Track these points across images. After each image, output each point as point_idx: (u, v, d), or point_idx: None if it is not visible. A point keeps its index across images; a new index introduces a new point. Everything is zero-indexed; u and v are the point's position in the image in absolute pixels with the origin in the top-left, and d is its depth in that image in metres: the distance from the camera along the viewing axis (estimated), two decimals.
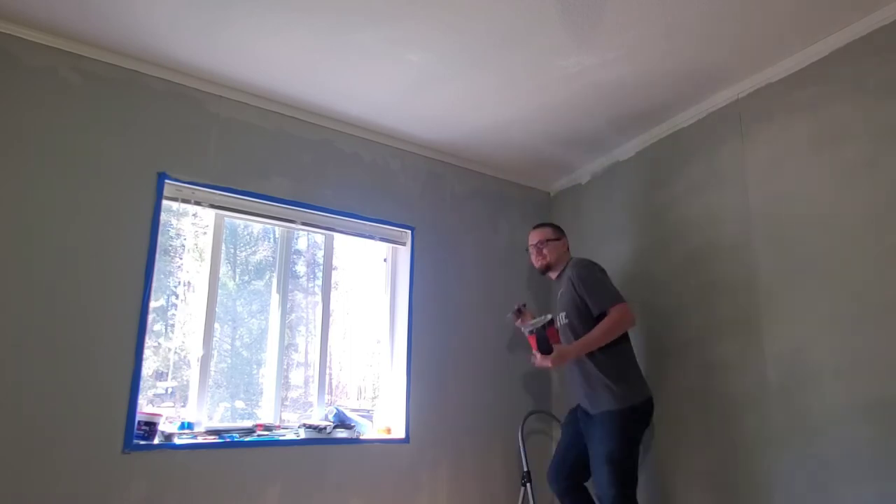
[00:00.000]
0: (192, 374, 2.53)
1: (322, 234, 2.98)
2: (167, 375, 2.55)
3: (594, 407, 2.41)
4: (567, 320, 2.51)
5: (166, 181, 2.43)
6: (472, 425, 3.06)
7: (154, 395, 2.52)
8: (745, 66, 2.43)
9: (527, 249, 2.80)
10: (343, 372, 3.12)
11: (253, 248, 2.97)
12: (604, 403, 2.36)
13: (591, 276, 2.47)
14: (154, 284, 2.35)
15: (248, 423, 2.54)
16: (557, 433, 3.23)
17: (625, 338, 2.45)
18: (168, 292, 2.63)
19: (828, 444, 2.08)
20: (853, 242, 2.10)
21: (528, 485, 2.95)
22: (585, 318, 2.44)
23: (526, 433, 3.16)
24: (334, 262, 3.03)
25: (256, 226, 2.90)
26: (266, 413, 2.68)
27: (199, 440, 2.38)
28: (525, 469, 3.00)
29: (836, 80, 2.22)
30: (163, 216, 2.43)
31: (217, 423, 2.53)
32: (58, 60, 2.29)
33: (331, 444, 2.62)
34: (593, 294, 2.42)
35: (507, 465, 3.13)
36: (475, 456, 3.04)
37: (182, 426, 2.39)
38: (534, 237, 2.74)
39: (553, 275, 2.72)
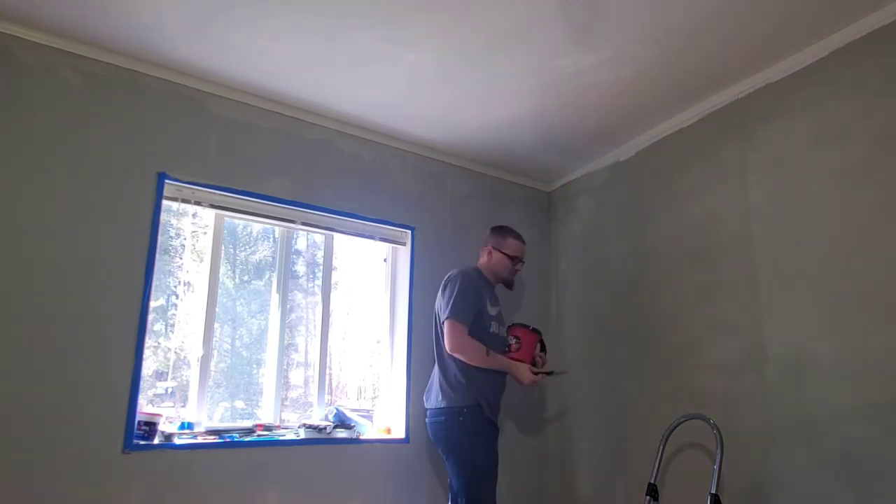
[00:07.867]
0: (192, 374, 2.53)
1: (322, 234, 2.98)
2: (167, 375, 2.55)
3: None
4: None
5: (166, 181, 2.43)
6: None
7: (154, 395, 2.52)
8: (745, 66, 2.43)
9: (521, 260, 2.74)
10: (343, 372, 3.12)
11: (253, 248, 2.97)
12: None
13: None
14: (154, 284, 2.35)
15: (248, 423, 2.54)
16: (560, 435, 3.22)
17: None
18: (168, 292, 2.63)
19: (828, 444, 2.08)
20: (853, 242, 2.10)
21: None
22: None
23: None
24: (334, 262, 3.03)
25: (256, 226, 2.90)
26: (266, 413, 2.68)
27: (199, 440, 2.38)
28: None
29: (836, 80, 2.22)
30: (163, 216, 2.43)
31: (217, 423, 2.53)
32: (58, 60, 2.29)
33: (331, 444, 2.62)
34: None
35: None
36: None
37: (182, 426, 2.39)
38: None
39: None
